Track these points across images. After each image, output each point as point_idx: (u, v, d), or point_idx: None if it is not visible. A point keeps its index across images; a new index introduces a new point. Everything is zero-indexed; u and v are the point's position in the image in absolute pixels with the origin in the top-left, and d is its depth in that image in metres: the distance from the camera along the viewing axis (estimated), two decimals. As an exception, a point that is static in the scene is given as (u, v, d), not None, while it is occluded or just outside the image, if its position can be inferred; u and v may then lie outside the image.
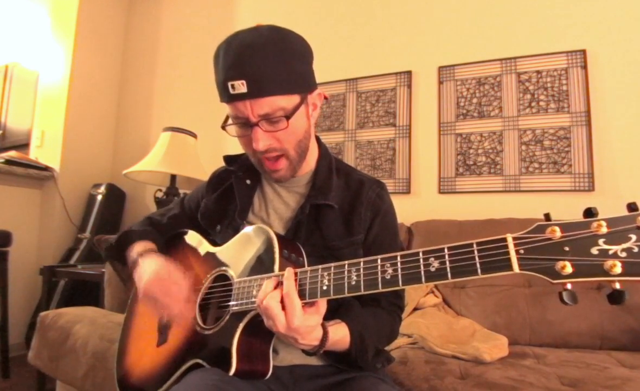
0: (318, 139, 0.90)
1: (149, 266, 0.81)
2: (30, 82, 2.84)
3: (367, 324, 0.74)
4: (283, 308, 0.62)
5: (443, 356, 1.21)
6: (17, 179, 2.47)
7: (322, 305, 0.65)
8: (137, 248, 0.89)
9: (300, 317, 0.61)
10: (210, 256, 0.85)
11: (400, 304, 0.86)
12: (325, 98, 0.85)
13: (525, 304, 1.44)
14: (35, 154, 2.66)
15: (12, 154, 2.42)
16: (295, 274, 0.64)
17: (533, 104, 1.82)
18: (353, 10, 2.27)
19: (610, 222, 0.43)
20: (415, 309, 1.52)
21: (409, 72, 2.07)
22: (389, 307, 0.83)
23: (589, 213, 0.45)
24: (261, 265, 0.72)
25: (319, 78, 0.80)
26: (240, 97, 0.69)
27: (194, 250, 0.90)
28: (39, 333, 1.43)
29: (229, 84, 0.68)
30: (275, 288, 0.64)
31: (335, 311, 0.73)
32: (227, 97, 0.71)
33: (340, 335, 0.70)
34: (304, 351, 0.68)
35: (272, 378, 0.73)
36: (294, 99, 0.73)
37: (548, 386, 0.96)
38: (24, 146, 2.77)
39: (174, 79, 2.82)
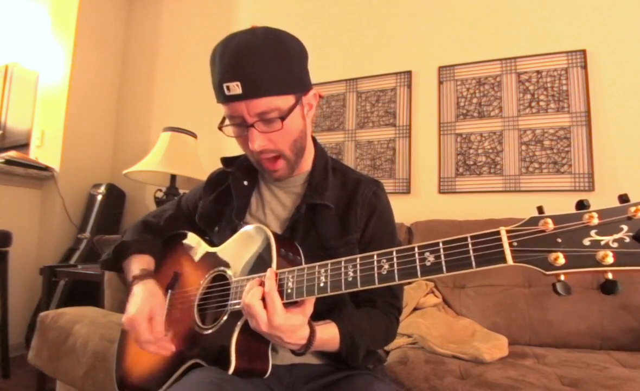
0: (314, 140, 0.91)
1: (138, 298, 0.80)
2: (30, 82, 2.84)
3: (359, 324, 0.74)
4: (265, 307, 0.62)
5: (443, 356, 1.20)
6: (17, 179, 2.47)
7: (308, 305, 0.65)
8: (134, 265, 0.88)
9: (281, 315, 0.61)
10: (209, 256, 0.85)
11: (397, 305, 0.85)
12: (321, 97, 0.85)
13: (525, 304, 1.44)
14: (35, 154, 2.66)
15: (12, 154, 2.42)
16: (276, 274, 0.65)
17: (533, 104, 1.81)
18: (353, 11, 2.27)
19: (602, 213, 0.44)
20: (415, 309, 1.52)
21: (409, 72, 2.07)
22: (385, 307, 0.82)
23: (581, 205, 0.46)
24: (259, 264, 0.72)
25: (318, 78, 0.81)
26: (236, 98, 0.70)
27: (192, 251, 0.90)
28: (39, 333, 1.43)
29: (225, 85, 0.69)
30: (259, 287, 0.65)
31: (328, 312, 0.73)
32: (223, 98, 0.71)
33: (330, 334, 0.70)
34: (292, 351, 0.68)
35: (271, 377, 0.73)
36: (289, 99, 0.73)
37: (548, 386, 0.96)
38: (24, 146, 2.77)
39: (174, 79, 2.82)
